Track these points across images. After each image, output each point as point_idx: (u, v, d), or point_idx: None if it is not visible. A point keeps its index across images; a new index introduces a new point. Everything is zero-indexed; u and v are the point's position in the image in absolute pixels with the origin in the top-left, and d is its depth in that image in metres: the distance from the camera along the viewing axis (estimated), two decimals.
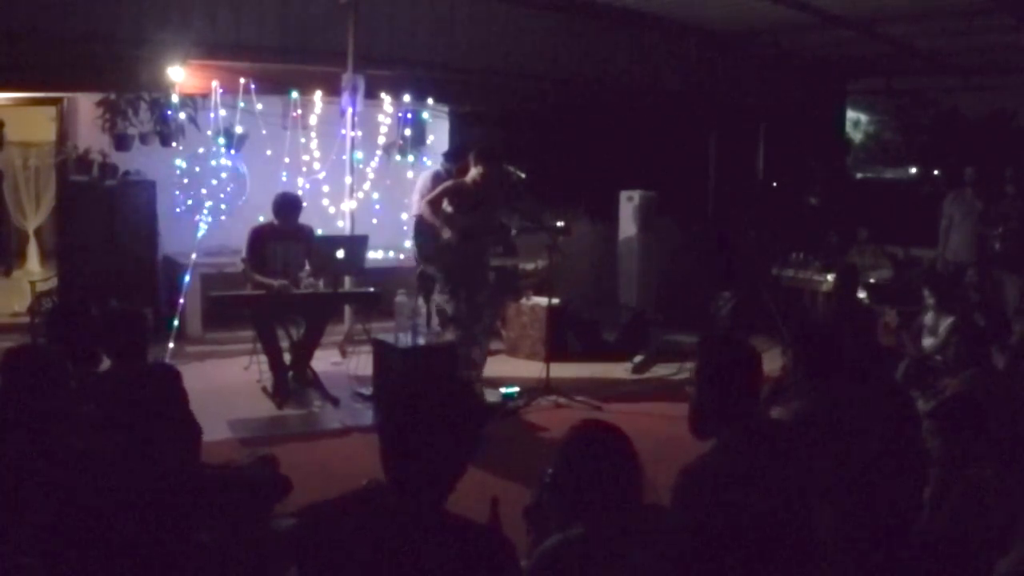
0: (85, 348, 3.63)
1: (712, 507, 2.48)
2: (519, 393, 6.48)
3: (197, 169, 7.54)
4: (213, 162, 7.45)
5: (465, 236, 6.51)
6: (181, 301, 7.10)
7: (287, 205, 6.48)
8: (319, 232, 7.08)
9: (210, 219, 7.38)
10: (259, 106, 7.27)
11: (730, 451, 2.62)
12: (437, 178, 7.41)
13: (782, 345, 7.88)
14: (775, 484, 2.55)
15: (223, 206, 7.52)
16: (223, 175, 7.55)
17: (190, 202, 7.52)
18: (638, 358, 7.74)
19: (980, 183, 8.90)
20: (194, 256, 7.13)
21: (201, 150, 7.49)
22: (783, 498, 2.52)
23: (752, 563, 2.39)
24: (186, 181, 7.55)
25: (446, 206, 6.56)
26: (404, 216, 8.14)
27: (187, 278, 7.14)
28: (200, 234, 7.29)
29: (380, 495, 2.01)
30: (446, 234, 6.50)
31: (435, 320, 6.48)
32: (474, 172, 6.64)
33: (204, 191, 7.48)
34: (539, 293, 7.91)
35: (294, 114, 7.81)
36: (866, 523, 2.79)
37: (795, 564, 2.42)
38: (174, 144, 7.15)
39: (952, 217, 8.94)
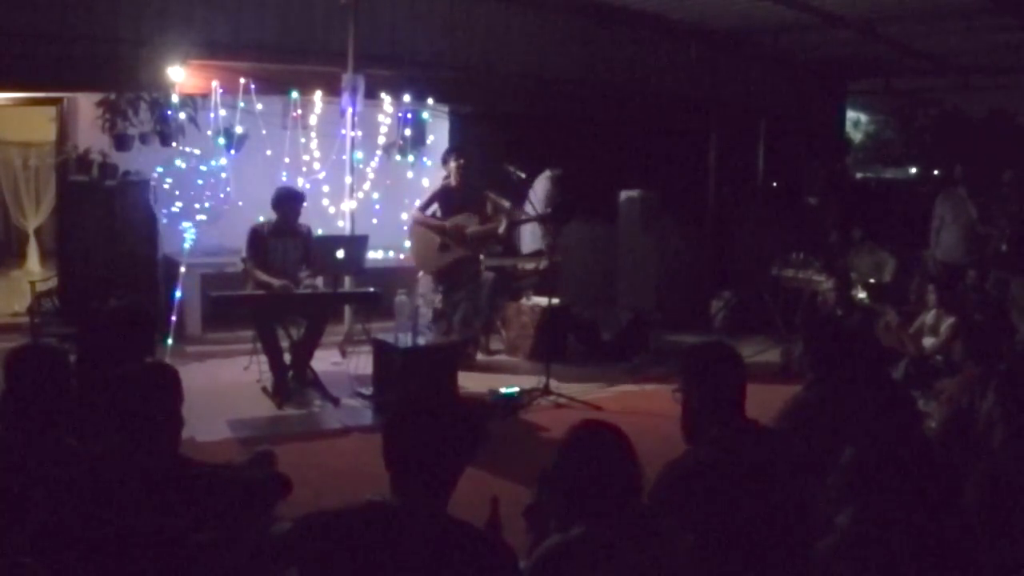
0: (101, 345, 3.61)
1: (692, 502, 2.50)
2: (519, 393, 6.48)
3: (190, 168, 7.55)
4: (212, 162, 7.44)
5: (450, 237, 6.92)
6: (172, 318, 7.09)
7: (288, 198, 6.46)
8: (319, 232, 7.08)
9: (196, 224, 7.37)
10: (259, 106, 7.26)
11: (714, 449, 2.66)
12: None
13: (781, 345, 7.92)
14: (762, 482, 2.57)
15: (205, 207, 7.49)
16: (221, 175, 7.55)
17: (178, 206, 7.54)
18: (637, 359, 7.75)
19: (971, 181, 8.86)
20: (183, 269, 7.16)
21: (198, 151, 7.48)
22: (770, 495, 2.54)
23: (738, 558, 2.40)
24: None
25: (436, 210, 7.02)
26: (404, 216, 8.15)
27: (177, 292, 7.15)
28: (187, 243, 7.28)
29: (380, 503, 2.04)
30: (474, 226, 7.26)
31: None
32: (452, 167, 7.35)
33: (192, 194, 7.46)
34: (539, 293, 7.91)
35: (294, 114, 7.80)
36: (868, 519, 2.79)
37: (784, 561, 2.43)
38: (174, 144, 7.15)
39: (943, 217, 8.91)
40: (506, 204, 7.54)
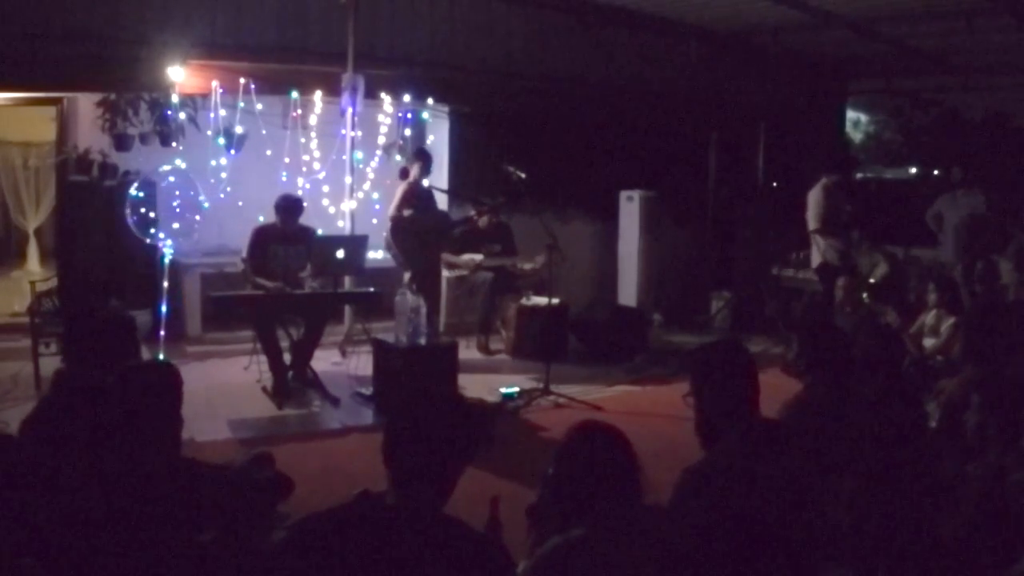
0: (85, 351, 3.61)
1: (712, 505, 2.48)
2: (519, 393, 6.48)
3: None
4: (213, 162, 7.42)
5: (421, 234, 7.00)
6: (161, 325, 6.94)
7: (288, 207, 6.50)
8: (319, 232, 7.09)
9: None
10: (259, 106, 7.26)
11: (732, 451, 2.63)
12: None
13: (785, 341, 7.93)
14: (775, 483, 2.55)
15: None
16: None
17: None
18: (638, 358, 7.76)
19: (971, 182, 8.82)
20: (165, 284, 6.89)
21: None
22: (783, 497, 2.53)
23: (750, 562, 2.38)
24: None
25: (405, 211, 7.15)
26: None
27: (163, 306, 6.98)
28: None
29: (374, 503, 2.03)
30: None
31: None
32: (415, 171, 7.58)
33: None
34: (539, 293, 7.92)
35: (294, 114, 7.80)
36: (866, 514, 2.79)
37: (793, 563, 2.41)
38: (174, 144, 7.15)
39: (943, 218, 8.88)
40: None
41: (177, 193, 6.82)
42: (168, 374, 2.89)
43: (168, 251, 6.88)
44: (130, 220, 6.56)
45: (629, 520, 2.18)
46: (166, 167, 6.88)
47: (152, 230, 6.66)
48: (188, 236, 6.88)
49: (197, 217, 6.90)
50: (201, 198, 6.83)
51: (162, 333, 6.79)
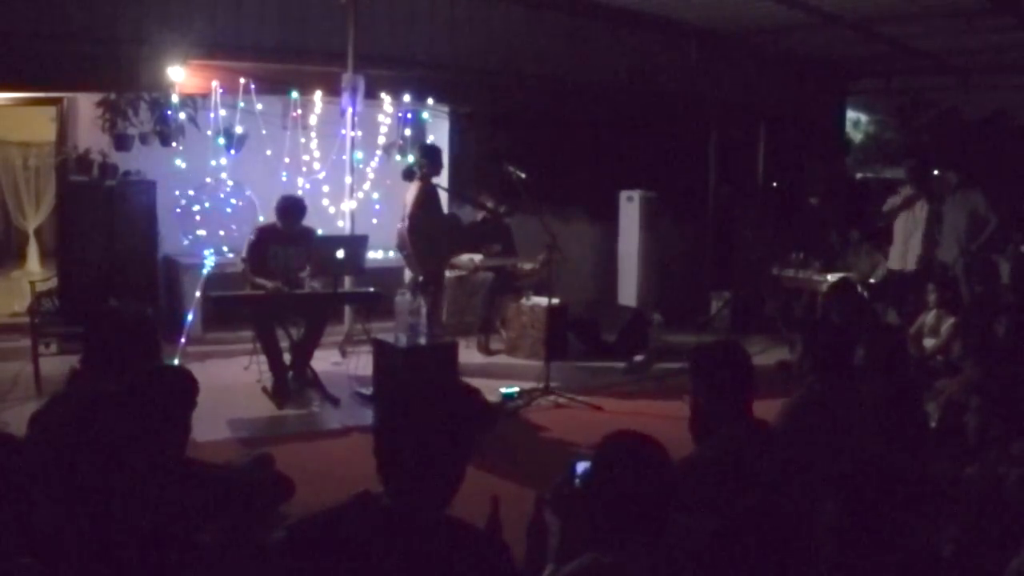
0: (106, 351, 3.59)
1: (701, 499, 2.49)
2: (519, 393, 6.48)
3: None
4: (213, 162, 7.42)
5: (434, 235, 6.95)
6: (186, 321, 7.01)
7: (291, 209, 6.49)
8: (319, 232, 7.09)
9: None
10: (259, 106, 7.27)
11: (721, 447, 2.66)
12: None
13: (788, 342, 7.94)
14: (768, 480, 2.56)
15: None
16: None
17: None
18: (638, 358, 7.75)
19: (968, 184, 8.82)
20: (198, 293, 7.10)
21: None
22: (775, 493, 2.54)
23: (742, 558, 2.38)
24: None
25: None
26: None
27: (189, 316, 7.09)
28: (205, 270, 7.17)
29: (373, 503, 2.00)
30: None
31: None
32: (426, 170, 7.30)
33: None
34: (539, 293, 7.92)
35: (294, 114, 7.80)
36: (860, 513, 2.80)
37: (788, 561, 2.42)
38: (174, 144, 7.15)
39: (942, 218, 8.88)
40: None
41: (227, 202, 6.91)
42: (186, 379, 2.89)
43: (209, 261, 7.09)
44: (184, 239, 6.74)
45: (661, 548, 2.06)
46: (224, 175, 6.98)
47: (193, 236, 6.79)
48: (234, 244, 7.11)
49: (233, 226, 7.00)
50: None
51: (183, 340, 6.84)
